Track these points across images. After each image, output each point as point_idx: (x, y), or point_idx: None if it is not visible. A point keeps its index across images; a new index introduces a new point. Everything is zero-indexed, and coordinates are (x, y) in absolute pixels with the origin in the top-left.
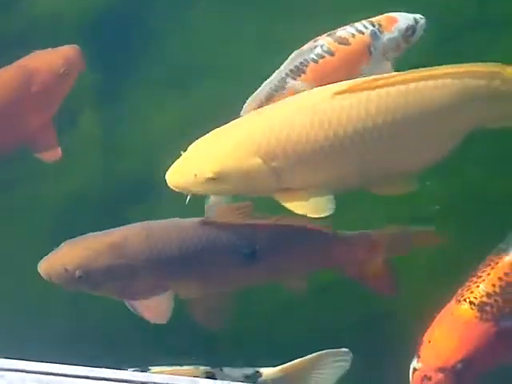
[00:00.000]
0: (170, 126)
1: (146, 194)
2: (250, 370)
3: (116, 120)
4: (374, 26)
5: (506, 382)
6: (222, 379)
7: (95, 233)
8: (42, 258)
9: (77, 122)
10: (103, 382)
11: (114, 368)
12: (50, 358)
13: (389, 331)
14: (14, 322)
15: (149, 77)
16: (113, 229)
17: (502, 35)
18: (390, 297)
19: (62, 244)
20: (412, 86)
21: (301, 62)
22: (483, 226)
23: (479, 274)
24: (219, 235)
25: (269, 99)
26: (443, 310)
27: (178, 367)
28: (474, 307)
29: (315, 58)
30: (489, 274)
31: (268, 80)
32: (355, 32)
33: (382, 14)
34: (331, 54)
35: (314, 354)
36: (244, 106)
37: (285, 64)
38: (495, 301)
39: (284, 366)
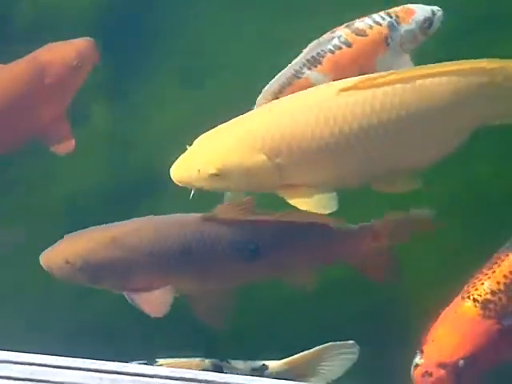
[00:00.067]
0: (180, 120)
1: (155, 189)
2: (256, 363)
3: (125, 115)
4: (391, 17)
5: (506, 382)
6: (229, 372)
7: (97, 226)
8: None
9: (86, 116)
10: (110, 375)
11: (119, 361)
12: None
13: (396, 323)
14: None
15: (158, 72)
16: (115, 223)
17: None
18: (392, 283)
19: (64, 237)
20: (417, 82)
21: (318, 53)
22: (488, 224)
23: (485, 272)
24: (221, 231)
25: (284, 89)
26: (448, 307)
27: (185, 359)
28: (477, 304)
29: (332, 48)
30: (494, 272)
31: (284, 70)
32: (373, 23)
33: (390, 7)
34: (348, 45)
35: (321, 347)
36: (260, 95)
37: (301, 54)
38: (499, 299)
39: (290, 358)
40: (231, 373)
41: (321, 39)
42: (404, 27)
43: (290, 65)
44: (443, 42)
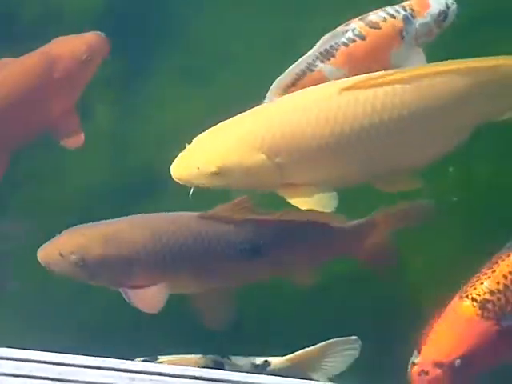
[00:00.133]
0: (180, 120)
1: (155, 188)
2: (258, 360)
3: (125, 114)
4: (406, 10)
5: (506, 382)
6: (230, 368)
7: (95, 222)
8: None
9: (87, 116)
10: (112, 372)
11: (122, 358)
12: (56, 348)
13: (398, 319)
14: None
15: (158, 71)
16: (114, 219)
17: None
18: (391, 267)
19: (62, 232)
20: (418, 81)
21: (331, 46)
22: (487, 224)
23: (484, 271)
24: (220, 230)
25: (297, 81)
26: (447, 306)
27: (186, 356)
28: (475, 304)
29: (346, 41)
30: (494, 272)
31: (297, 62)
32: (387, 16)
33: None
34: (362, 38)
35: (323, 343)
36: (271, 87)
37: (315, 47)
38: (498, 299)
39: (293, 355)
40: (233, 370)
41: (334, 32)
42: (419, 20)
43: (302, 57)
44: (444, 42)
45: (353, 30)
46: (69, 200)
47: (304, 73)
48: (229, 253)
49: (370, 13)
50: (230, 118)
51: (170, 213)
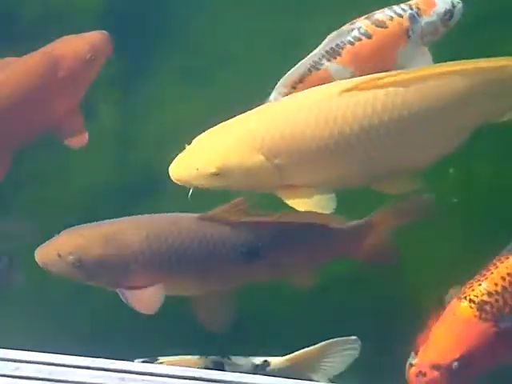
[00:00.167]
0: (180, 120)
1: (155, 188)
2: (258, 360)
3: (126, 114)
4: (412, 9)
5: (505, 382)
6: (230, 368)
7: (94, 222)
8: None
9: (87, 116)
10: (102, 372)
11: (122, 359)
12: (51, 348)
13: (398, 320)
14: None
15: (158, 71)
16: (113, 219)
17: None
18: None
19: (60, 232)
20: (418, 83)
21: (337, 44)
22: (488, 225)
23: (483, 273)
24: (219, 231)
25: (302, 80)
26: (445, 307)
27: (186, 357)
28: (473, 305)
29: (352, 40)
30: (492, 273)
31: (302, 60)
32: (393, 15)
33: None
34: (369, 36)
35: (323, 343)
36: (277, 85)
37: (320, 45)
38: (496, 300)
39: (292, 355)
40: (233, 370)
41: (340, 30)
42: (425, 19)
43: (308, 56)
44: (449, 41)
45: (359, 29)
46: (71, 200)
47: (310, 71)
48: (227, 254)
49: (377, 11)
50: (230, 118)
51: (168, 214)
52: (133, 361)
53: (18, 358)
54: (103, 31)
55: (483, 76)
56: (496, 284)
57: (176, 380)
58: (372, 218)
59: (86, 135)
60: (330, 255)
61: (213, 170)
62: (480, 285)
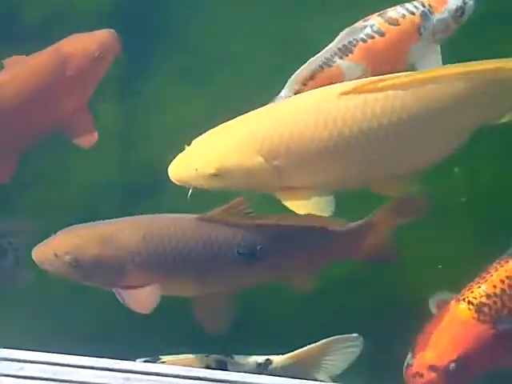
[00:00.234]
0: (181, 120)
1: (155, 188)
2: (260, 358)
3: (126, 114)
4: (424, 6)
5: (505, 383)
6: (233, 367)
7: (92, 222)
8: None
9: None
10: (106, 372)
11: (124, 359)
12: (54, 348)
13: (398, 320)
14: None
15: (159, 71)
16: (110, 219)
17: None
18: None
19: (58, 232)
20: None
21: (349, 42)
22: (488, 226)
23: (483, 275)
24: (217, 232)
25: (313, 77)
26: (443, 309)
27: (189, 356)
28: (472, 307)
29: (364, 37)
30: (491, 276)
31: (314, 57)
32: (406, 12)
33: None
34: (381, 34)
35: (324, 340)
36: (288, 81)
37: (332, 43)
38: (494, 302)
39: (294, 353)
40: (235, 368)
41: (352, 28)
42: (436, 16)
43: (320, 53)
44: (445, 42)
45: (371, 26)
46: (72, 199)
47: (322, 68)
48: (225, 256)
49: (389, 9)
50: (230, 118)
51: (165, 214)
52: (135, 360)
53: (22, 358)
54: (111, 30)
55: (482, 77)
56: (495, 286)
57: (181, 380)
58: (371, 219)
59: (96, 134)
60: (329, 258)
61: (212, 170)
62: (479, 287)
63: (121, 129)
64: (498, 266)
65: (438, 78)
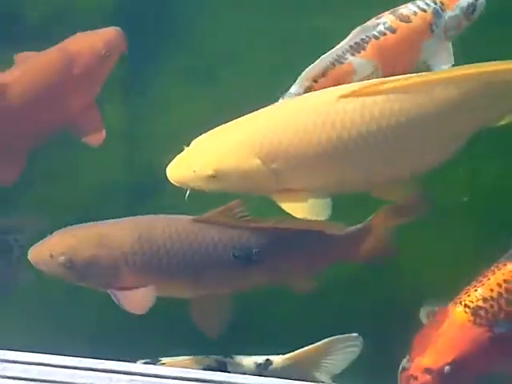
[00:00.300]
0: (185, 120)
1: (157, 188)
2: (260, 358)
3: (130, 115)
4: (436, 3)
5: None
6: (233, 368)
7: (88, 223)
8: None
9: None
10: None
11: (124, 360)
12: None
13: (398, 321)
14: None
15: (163, 72)
16: (106, 220)
17: None
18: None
19: (54, 232)
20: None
21: (362, 39)
22: (489, 226)
23: (480, 279)
24: (214, 234)
25: (325, 73)
26: (439, 312)
27: (189, 357)
28: (468, 310)
29: (377, 34)
30: (489, 279)
31: (326, 54)
32: (417, 10)
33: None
34: (393, 31)
35: (324, 341)
36: (299, 78)
37: (345, 40)
38: (491, 306)
39: (294, 353)
40: (235, 369)
41: (365, 26)
42: (448, 13)
43: (331, 50)
44: (457, 39)
45: (384, 24)
46: (77, 199)
47: (333, 65)
48: (221, 258)
49: (401, 6)
50: (235, 117)
51: (162, 215)
52: (135, 362)
53: (5, 358)
54: (117, 27)
55: (481, 81)
56: (492, 290)
57: (179, 381)
58: (370, 222)
59: (104, 132)
60: (327, 261)
61: (210, 172)
62: (476, 290)
63: (126, 129)
64: (496, 270)
65: (437, 80)
